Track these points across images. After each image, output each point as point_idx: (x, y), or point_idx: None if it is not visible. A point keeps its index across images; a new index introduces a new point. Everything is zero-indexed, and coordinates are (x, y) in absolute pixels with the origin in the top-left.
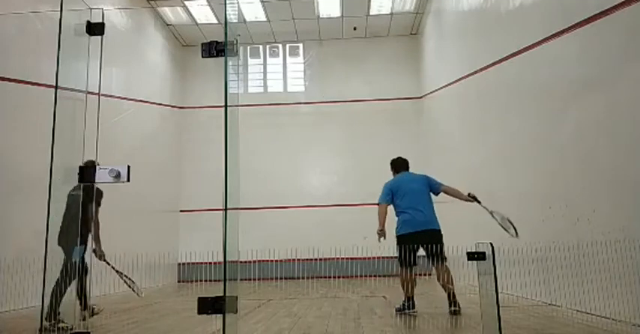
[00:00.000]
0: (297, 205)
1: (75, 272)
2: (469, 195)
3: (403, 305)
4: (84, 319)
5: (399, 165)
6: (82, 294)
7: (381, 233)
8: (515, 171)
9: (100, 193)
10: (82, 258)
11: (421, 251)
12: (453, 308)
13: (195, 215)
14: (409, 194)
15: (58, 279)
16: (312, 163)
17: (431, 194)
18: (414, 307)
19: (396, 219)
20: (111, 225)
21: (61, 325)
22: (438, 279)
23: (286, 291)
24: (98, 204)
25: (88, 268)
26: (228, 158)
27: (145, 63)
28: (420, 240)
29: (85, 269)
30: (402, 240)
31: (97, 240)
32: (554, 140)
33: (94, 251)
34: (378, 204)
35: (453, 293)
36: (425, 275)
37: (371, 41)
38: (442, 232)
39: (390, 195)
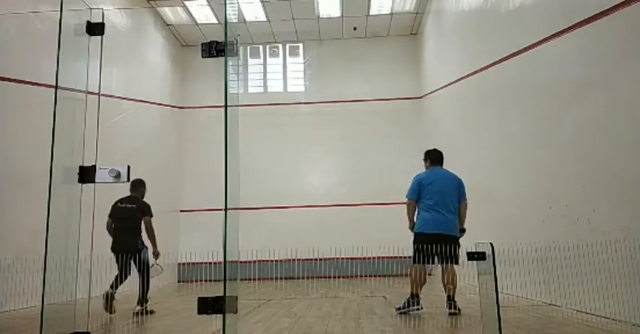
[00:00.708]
0: (297, 205)
1: (138, 271)
2: (464, 230)
3: (408, 301)
4: (138, 305)
5: (435, 158)
6: (143, 288)
7: (414, 230)
8: (516, 171)
9: (149, 206)
10: (147, 259)
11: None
12: (451, 311)
13: (195, 215)
14: (438, 194)
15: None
16: (312, 163)
17: None
18: (419, 304)
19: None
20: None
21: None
22: (443, 278)
23: (286, 291)
24: (151, 215)
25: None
26: (228, 158)
27: (145, 63)
28: (435, 242)
29: (147, 267)
30: (419, 237)
31: (154, 243)
32: (554, 140)
33: (154, 252)
34: (406, 201)
35: (453, 295)
36: (427, 275)
37: (371, 41)
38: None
39: (418, 190)
